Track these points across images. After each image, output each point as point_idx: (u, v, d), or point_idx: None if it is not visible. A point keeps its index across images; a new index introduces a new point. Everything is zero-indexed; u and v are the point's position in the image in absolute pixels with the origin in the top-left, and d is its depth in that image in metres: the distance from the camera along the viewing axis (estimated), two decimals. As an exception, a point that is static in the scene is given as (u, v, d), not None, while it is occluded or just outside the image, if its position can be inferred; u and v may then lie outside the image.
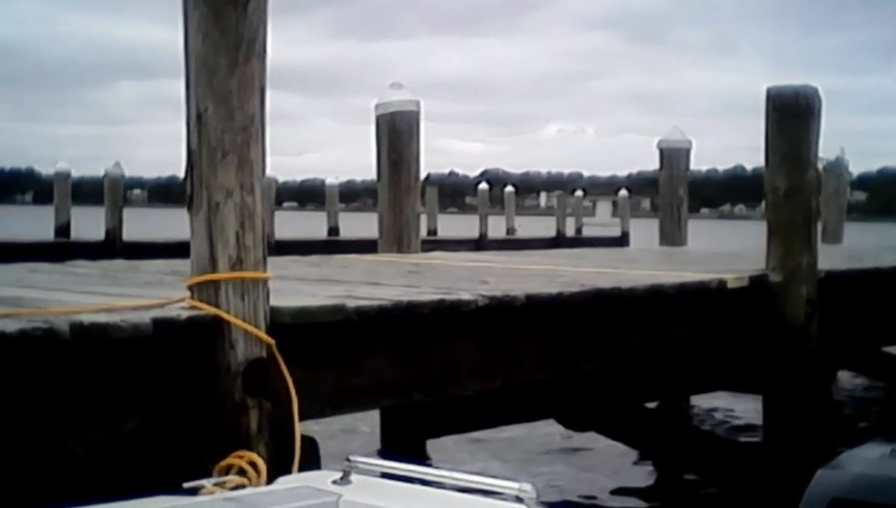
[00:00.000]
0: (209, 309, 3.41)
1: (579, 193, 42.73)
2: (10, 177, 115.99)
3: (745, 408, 8.76)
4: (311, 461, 3.47)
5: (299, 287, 4.67)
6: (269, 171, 3.85)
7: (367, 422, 7.34)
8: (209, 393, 3.40)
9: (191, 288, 3.50)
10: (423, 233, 11.62)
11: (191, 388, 3.40)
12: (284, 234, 23.28)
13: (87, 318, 3.19)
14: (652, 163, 10.88)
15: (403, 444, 6.83)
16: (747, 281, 6.11)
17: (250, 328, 3.41)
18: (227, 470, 3.22)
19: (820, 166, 7.43)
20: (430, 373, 4.37)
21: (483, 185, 35.03)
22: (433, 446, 7.23)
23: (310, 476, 2.71)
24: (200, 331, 3.39)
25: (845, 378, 10.79)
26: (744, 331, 6.17)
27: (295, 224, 33.28)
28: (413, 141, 7.65)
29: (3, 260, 7.65)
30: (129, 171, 27.66)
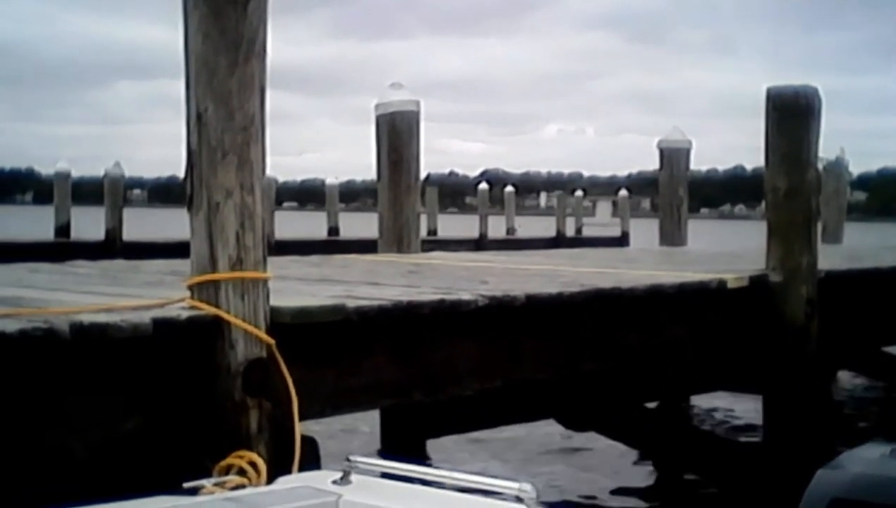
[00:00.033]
0: (209, 309, 3.41)
1: (579, 193, 42.74)
2: (10, 177, 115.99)
3: (745, 408, 8.76)
4: (311, 461, 3.47)
5: (299, 287, 4.66)
6: (269, 171, 3.85)
7: (367, 422, 7.34)
8: (209, 393, 3.40)
9: (191, 288, 3.50)
10: (423, 233, 11.62)
11: (191, 388, 3.40)
12: (284, 234, 23.28)
13: (87, 318, 3.19)
14: (652, 163, 10.89)
15: (403, 444, 6.83)
16: (747, 281, 6.11)
17: (250, 328, 3.41)
18: (227, 470, 3.22)
19: (820, 166, 7.44)
20: (430, 373, 4.37)
21: (483, 185, 35.05)
22: (433, 446, 7.23)
23: (310, 477, 2.71)
24: (200, 331, 3.39)
25: (845, 378, 10.79)
26: (744, 331, 6.17)
27: (295, 224, 33.28)
28: (413, 141, 7.65)
29: (3, 260, 7.65)
30: (129, 171, 27.69)
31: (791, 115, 6.48)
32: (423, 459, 6.92)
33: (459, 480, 2.46)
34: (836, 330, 6.75)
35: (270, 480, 2.98)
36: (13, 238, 21.34)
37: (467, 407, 6.37)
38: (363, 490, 2.50)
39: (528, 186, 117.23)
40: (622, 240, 32.41)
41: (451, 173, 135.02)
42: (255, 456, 3.26)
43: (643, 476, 7.43)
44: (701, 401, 9.50)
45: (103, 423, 3.22)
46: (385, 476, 2.58)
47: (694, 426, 8.74)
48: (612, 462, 7.54)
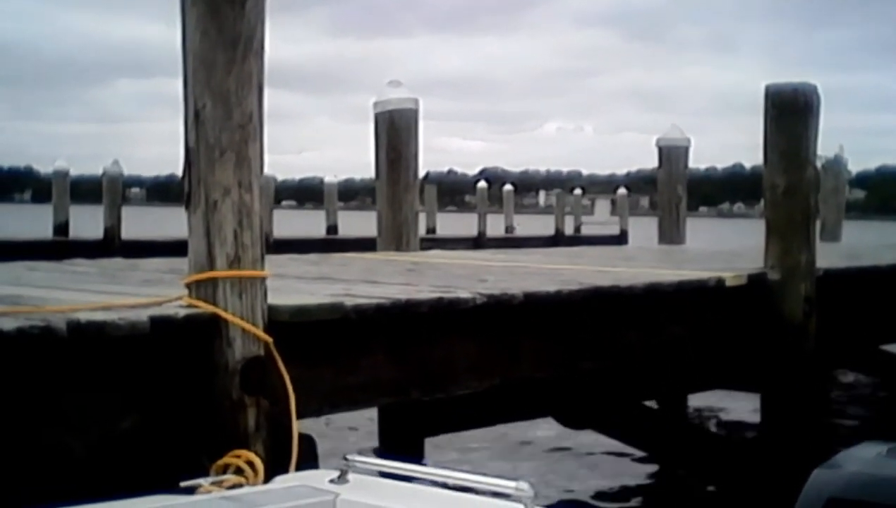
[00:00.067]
0: (207, 307, 3.41)
1: (578, 191, 42.73)
2: (8, 175, 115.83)
3: (743, 407, 8.76)
4: (309, 459, 3.46)
5: (298, 285, 4.66)
6: (267, 170, 3.86)
7: (366, 421, 7.34)
8: (207, 391, 3.40)
9: (188, 286, 3.50)
10: (422, 231, 11.60)
11: (188, 386, 3.40)
12: (283, 233, 23.26)
13: (84, 316, 3.19)
14: (651, 162, 10.88)
15: (401, 443, 6.83)
16: (746, 279, 6.11)
17: (248, 326, 3.41)
18: (224, 469, 3.22)
19: (818, 164, 7.43)
20: (428, 372, 4.36)
21: (482, 184, 35.02)
22: (431, 444, 7.23)
23: (307, 476, 2.71)
24: (198, 329, 3.38)
25: (843, 376, 10.80)
26: (742, 330, 6.17)
27: (294, 222, 33.27)
28: (412, 139, 7.64)
29: (1, 258, 7.64)
30: (128, 170, 27.57)
31: (789, 113, 6.48)
32: (421, 458, 6.92)
33: (457, 479, 2.46)
34: (835, 328, 6.75)
35: (268, 479, 2.98)
36: (11, 236, 21.31)
37: (465, 405, 6.37)
38: (361, 489, 2.50)
39: (527, 185, 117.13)
40: (621, 239, 32.42)
41: (450, 171, 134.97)
42: (252, 456, 3.26)
43: (641, 474, 7.44)
44: (699, 399, 9.50)
45: (100, 421, 3.22)
46: (383, 475, 2.58)
47: (692, 424, 8.74)
48: (610, 460, 7.55)
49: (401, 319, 4.16)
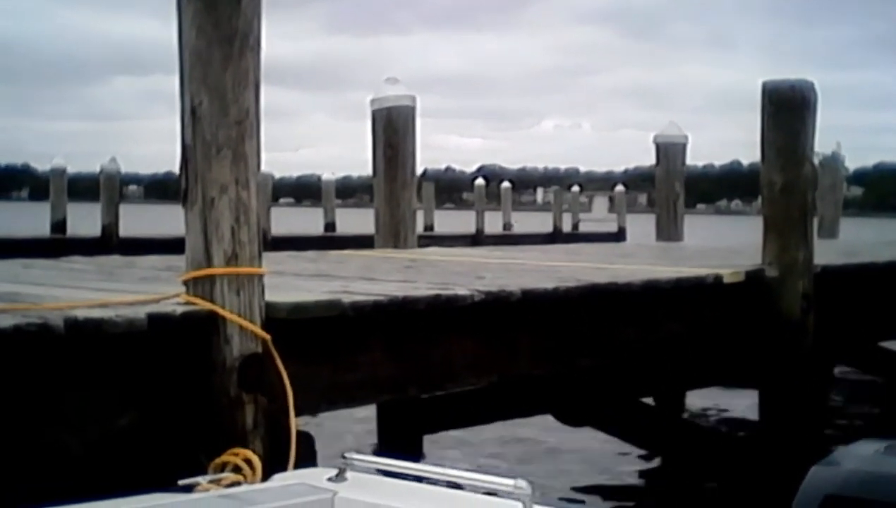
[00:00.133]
0: (204, 305, 3.40)
1: (576, 189, 42.80)
2: (6, 173, 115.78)
3: (741, 403, 8.76)
4: (307, 457, 3.46)
5: (295, 282, 4.66)
6: (264, 167, 3.85)
7: (364, 419, 7.33)
8: (204, 388, 3.39)
9: (186, 283, 3.49)
10: (420, 228, 11.60)
11: (186, 384, 3.39)
12: (281, 230, 23.26)
13: (81, 314, 3.19)
14: (648, 159, 10.87)
15: (400, 440, 6.83)
16: (743, 276, 6.11)
17: (245, 323, 3.40)
18: (222, 467, 3.22)
19: (816, 161, 7.43)
20: (426, 369, 4.36)
21: (479, 181, 35.10)
22: (430, 442, 7.23)
23: (305, 473, 2.70)
24: (195, 327, 3.38)
25: (841, 373, 10.79)
26: (740, 326, 6.17)
27: (291, 220, 33.23)
28: (409, 136, 7.63)
29: (-2, 256, 7.63)
30: (126, 167, 27.58)
31: (787, 110, 6.47)
32: (419, 455, 6.92)
33: (455, 477, 2.46)
34: (833, 325, 6.75)
35: (266, 477, 2.97)
36: (9, 234, 21.29)
37: (464, 402, 6.37)
38: (359, 487, 2.49)
39: (525, 182, 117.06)
40: (618, 236, 32.41)
41: (448, 169, 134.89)
42: (250, 454, 3.26)
43: (639, 471, 7.43)
44: (697, 396, 9.50)
45: (98, 419, 3.21)
46: (381, 472, 2.57)
47: (690, 421, 8.74)
48: (608, 457, 7.54)
49: (398, 316, 4.16)
